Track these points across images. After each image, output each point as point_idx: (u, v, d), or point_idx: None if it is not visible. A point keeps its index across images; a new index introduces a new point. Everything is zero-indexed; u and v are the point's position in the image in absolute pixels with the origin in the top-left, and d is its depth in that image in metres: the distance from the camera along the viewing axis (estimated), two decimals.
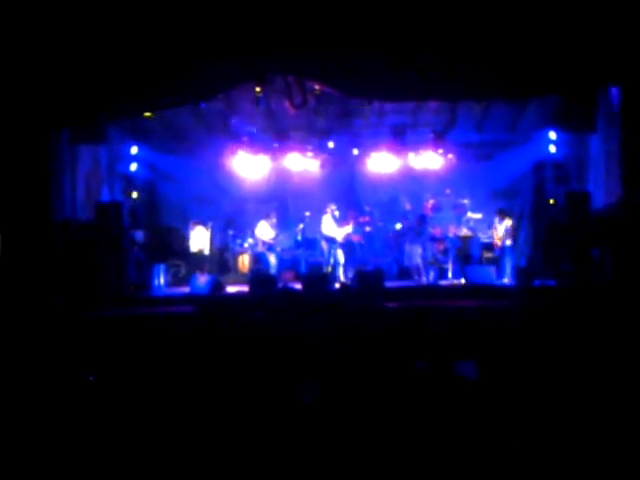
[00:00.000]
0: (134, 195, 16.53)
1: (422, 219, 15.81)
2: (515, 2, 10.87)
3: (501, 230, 15.16)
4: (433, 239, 15.82)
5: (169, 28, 11.16)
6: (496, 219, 15.24)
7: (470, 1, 10.81)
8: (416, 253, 15.61)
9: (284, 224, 16.91)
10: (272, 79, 12.95)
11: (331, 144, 16.99)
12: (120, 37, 11.29)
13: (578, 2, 10.94)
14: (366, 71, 11.78)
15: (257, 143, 16.89)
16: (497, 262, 15.20)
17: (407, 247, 15.93)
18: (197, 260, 16.33)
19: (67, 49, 11.44)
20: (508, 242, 15.07)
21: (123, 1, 10.88)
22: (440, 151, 16.56)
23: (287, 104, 15.10)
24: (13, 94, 11.78)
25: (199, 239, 16.42)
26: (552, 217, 15.05)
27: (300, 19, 10.93)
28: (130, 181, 16.41)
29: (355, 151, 17.25)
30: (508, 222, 15.11)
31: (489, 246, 15.60)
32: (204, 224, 16.65)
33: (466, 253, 15.47)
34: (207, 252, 16.58)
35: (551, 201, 15.23)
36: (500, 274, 14.69)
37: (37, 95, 11.94)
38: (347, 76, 12.02)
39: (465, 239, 15.57)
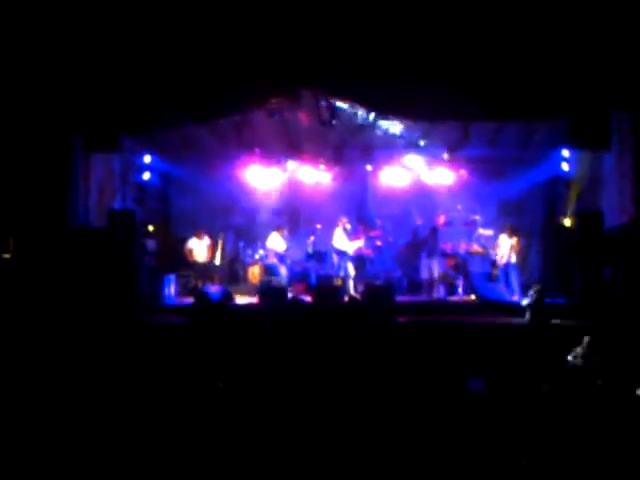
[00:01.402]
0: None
1: (434, 231, 15.77)
2: (531, 27, 10.98)
3: (505, 247, 15.09)
4: (444, 254, 15.81)
5: (200, 44, 11.25)
6: (503, 235, 15.19)
7: (489, 29, 10.93)
8: (432, 267, 15.55)
9: (295, 236, 16.91)
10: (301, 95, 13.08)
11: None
12: (148, 51, 11.38)
13: (591, 29, 11.03)
14: (394, 91, 11.90)
15: (270, 155, 16.94)
16: (499, 279, 15.14)
17: (424, 261, 15.86)
18: (207, 270, 16.34)
19: (91, 61, 11.54)
20: (513, 259, 15.02)
21: (154, 16, 10.96)
22: (445, 156, 16.57)
23: (301, 117, 15.17)
24: (31, 102, 11.88)
25: (201, 249, 16.35)
26: (563, 235, 15.01)
27: (336, 39, 11.08)
28: (143, 190, 16.41)
29: (368, 167, 17.30)
30: (514, 239, 15.07)
31: (494, 263, 15.59)
32: (212, 234, 16.59)
33: (468, 269, 15.43)
34: (218, 262, 16.58)
35: (567, 222, 15.10)
36: (508, 291, 14.64)
37: (55, 104, 12.03)
38: (376, 95, 12.15)
39: (475, 255, 15.53)
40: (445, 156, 16.57)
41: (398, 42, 11.16)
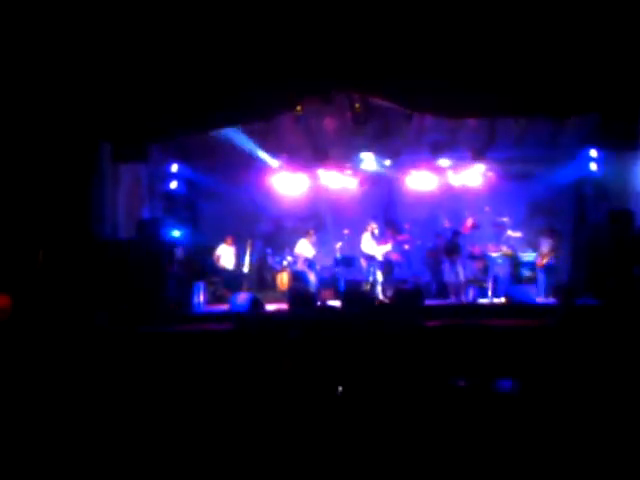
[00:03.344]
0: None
1: (456, 234, 15.65)
2: (555, 21, 10.93)
3: (545, 249, 15.14)
4: (472, 257, 15.75)
5: (230, 45, 11.25)
6: (544, 239, 15.23)
7: (521, 24, 10.94)
8: (457, 270, 15.43)
9: (323, 242, 16.92)
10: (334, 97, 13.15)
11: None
12: (175, 53, 11.40)
13: (617, 25, 10.96)
14: (426, 87, 11.91)
15: (296, 161, 16.99)
16: (537, 281, 15.17)
17: (447, 265, 15.76)
18: (236, 278, 16.42)
19: (118, 68, 11.59)
20: (548, 260, 15.05)
21: (182, 17, 10.97)
22: (482, 168, 16.55)
23: (326, 122, 15.22)
24: (59, 110, 11.96)
25: (229, 256, 16.52)
26: (593, 235, 14.90)
27: (367, 37, 11.11)
28: (170, 199, 16.53)
29: (387, 162, 17.28)
30: (552, 241, 15.09)
31: (529, 265, 15.53)
32: (239, 241, 16.73)
33: (498, 271, 15.41)
34: (246, 270, 16.66)
35: None
36: (539, 293, 14.60)
37: (83, 112, 12.11)
38: (408, 92, 12.15)
39: (505, 258, 15.48)
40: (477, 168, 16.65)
41: (429, 38, 11.16)
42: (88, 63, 11.51)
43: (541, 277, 15.15)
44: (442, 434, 5.22)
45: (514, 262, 15.60)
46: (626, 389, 6.07)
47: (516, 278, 15.54)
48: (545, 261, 15.10)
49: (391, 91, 12.42)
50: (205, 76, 11.74)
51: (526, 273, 15.57)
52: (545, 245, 15.24)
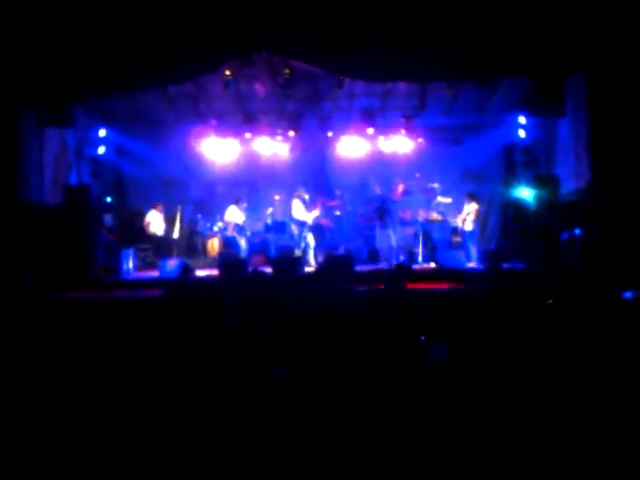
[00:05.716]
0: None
1: (387, 200, 15.72)
2: None
3: (464, 213, 15.31)
4: (403, 223, 15.86)
5: (150, 4, 11.04)
6: (466, 202, 15.39)
7: None
8: (389, 236, 15.53)
9: (254, 208, 16.85)
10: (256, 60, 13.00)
11: (291, 133, 16.94)
12: (93, 15, 11.13)
13: None
14: (350, 51, 11.81)
15: (226, 126, 16.83)
16: (463, 245, 15.34)
17: (378, 232, 15.85)
18: (165, 244, 16.26)
19: (36, 29, 11.28)
20: (468, 226, 15.19)
21: None
22: (403, 132, 16.60)
23: (257, 87, 15.08)
24: None
25: (159, 222, 16.36)
26: (521, 201, 15.13)
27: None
28: (98, 164, 16.23)
29: (329, 133, 17.14)
30: (473, 205, 15.23)
31: (457, 230, 15.71)
32: (169, 207, 16.57)
33: (428, 237, 15.56)
34: (176, 235, 16.52)
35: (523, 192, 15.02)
36: (467, 258, 14.75)
37: (3, 75, 11.77)
38: (332, 56, 12.05)
39: (434, 223, 15.64)
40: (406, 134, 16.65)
41: (354, 8, 11.09)
42: (6, 24, 11.18)
43: (468, 242, 15.31)
44: (372, 395, 5.27)
45: (443, 228, 15.77)
46: (552, 348, 6.21)
47: (446, 243, 15.70)
48: (463, 226, 15.28)
49: (313, 56, 12.34)
50: (124, 34, 11.50)
51: (455, 238, 15.74)
52: (464, 210, 15.42)
